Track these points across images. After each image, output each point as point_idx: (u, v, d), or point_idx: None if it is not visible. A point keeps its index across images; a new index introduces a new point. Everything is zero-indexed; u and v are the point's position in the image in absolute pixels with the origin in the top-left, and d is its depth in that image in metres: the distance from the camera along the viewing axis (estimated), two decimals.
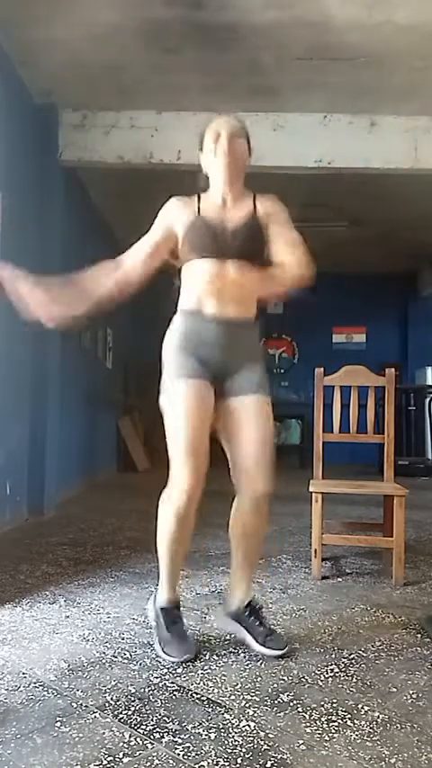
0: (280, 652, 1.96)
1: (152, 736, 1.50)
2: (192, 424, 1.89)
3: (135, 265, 2.02)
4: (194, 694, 1.72)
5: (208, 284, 1.95)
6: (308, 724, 1.57)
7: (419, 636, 2.20)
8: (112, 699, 1.69)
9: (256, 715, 1.61)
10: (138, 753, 1.43)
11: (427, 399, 7.87)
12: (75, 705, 1.65)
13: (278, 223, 2.02)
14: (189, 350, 1.95)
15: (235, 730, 1.53)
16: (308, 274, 1.95)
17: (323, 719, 1.59)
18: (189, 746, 1.46)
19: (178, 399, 1.91)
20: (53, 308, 1.87)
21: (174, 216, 2.03)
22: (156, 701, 1.68)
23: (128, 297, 2.03)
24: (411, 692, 1.76)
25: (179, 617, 2.04)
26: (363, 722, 1.58)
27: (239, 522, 2.03)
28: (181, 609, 2.09)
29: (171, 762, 1.39)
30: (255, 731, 1.53)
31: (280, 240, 2.00)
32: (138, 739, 1.48)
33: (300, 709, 1.64)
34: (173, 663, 1.91)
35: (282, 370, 9.25)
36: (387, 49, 3.85)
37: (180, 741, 1.48)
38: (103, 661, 1.94)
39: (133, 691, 1.74)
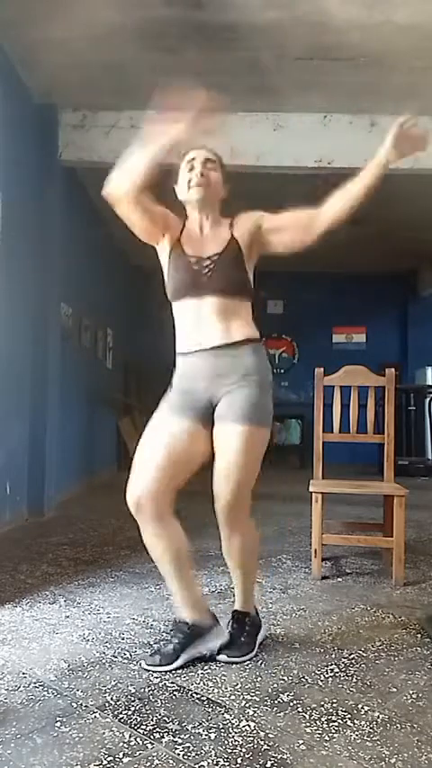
0: (225, 658, 1.93)
1: (152, 736, 1.50)
2: (150, 442, 1.97)
3: (143, 199, 1.96)
4: (194, 694, 1.72)
5: (188, 323, 1.98)
6: (308, 724, 1.57)
7: (419, 636, 2.20)
8: (112, 699, 1.69)
9: (256, 715, 1.61)
10: (138, 753, 1.43)
11: (427, 399, 7.86)
12: (75, 705, 1.65)
13: (266, 218, 2.01)
14: (180, 388, 2.00)
15: (235, 730, 1.53)
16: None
17: (323, 719, 1.59)
18: (189, 746, 1.46)
19: (151, 425, 2.00)
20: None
21: (172, 223, 2.03)
22: (156, 701, 1.68)
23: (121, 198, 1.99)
24: (411, 692, 1.76)
25: (186, 639, 1.93)
26: (363, 722, 1.58)
27: (223, 545, 2.04)
28: (199, 634, 1.95)
29: (171, 762, 1.39)
30: (255, 731, 1.53)
31: (286, 219, 1.99)
32: (138, 739, 1.48)
33: (300, 709, 1.65)
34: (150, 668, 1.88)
35: (282, 370, 9.24)
36: (387, 49, 3.85)
37: (180, 741, 1.48)
38: (103, 661, 1.94)
39: (133, 691, 1.74)
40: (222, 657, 1.94)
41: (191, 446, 1.95)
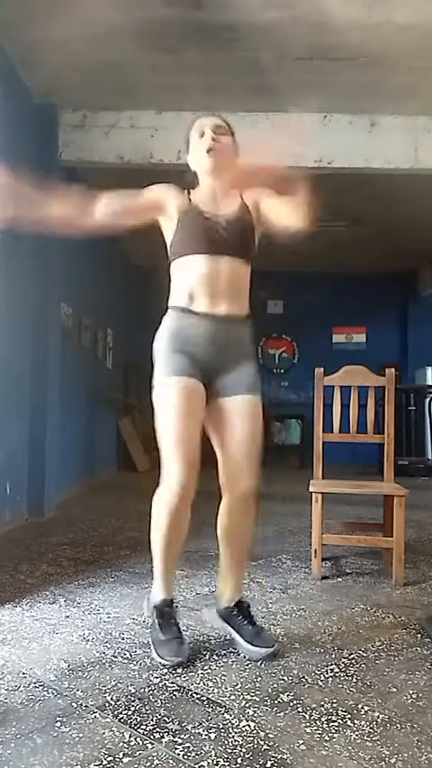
0: (269, 650, 1.93)
1: (152, 736, 1.50)
2: (181, 420, 1.90)
3: (106, 210, 1.99)
4: (194, 694, 1.72)
5: (200, 281, 1.94)
6: (308, 724, 1.57)
7: (419, 636, 2.20)
8: (112, 699, 1.69)
9: (256, 715, 1.61)
10: (138, 753, 1.43)
11: (427, 399, 7.86)
12: (75, 705, 1.65)
13: (268, 196, 2.01)
14: (178, 348, 1.94)
15: (235, 730, 1.53)
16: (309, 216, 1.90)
17: (323, 719, 1.59)
18: (189, 746, 1.46)
19: (167, 397, 1.92)
20: (15, 202, 1.86)
21: (169, 197, 2.02)
22: (156, 701, 1.68)
23: (74, 232, 2.01)
24: (411, 692, 1.76)
25: (173, 617, 2.01)
26: (363, 722, 1.58)
27: (226, 521, 2.03)
28: (177, 609, 2.07)
29: (171, 762, 1.39)
30: (255, 731, 1.53)
31: (277, 201, 1.98)
32: (138, 739, 1.48)
33: (300, 709, 1.64)
34: (164, 666, 1.89)
35: (282, 370, 9.25)
36: (387, 49, 3.85)
37: (180, 741, 1.48)
38: (103, 661, 1.94)
39: (133, 691, 1.74)
40: (261, 651, 1.93)
41: (202, 405, 1.96)
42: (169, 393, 1.92)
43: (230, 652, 2.01)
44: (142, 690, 1.75)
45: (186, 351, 1.93)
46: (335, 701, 1.70)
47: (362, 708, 1.66)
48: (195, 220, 1.96)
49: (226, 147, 2.01)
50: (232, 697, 1.71)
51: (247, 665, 1.92)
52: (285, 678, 1.84)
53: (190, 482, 1.90)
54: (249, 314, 2.02)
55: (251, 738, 1.50)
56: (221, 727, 1.55)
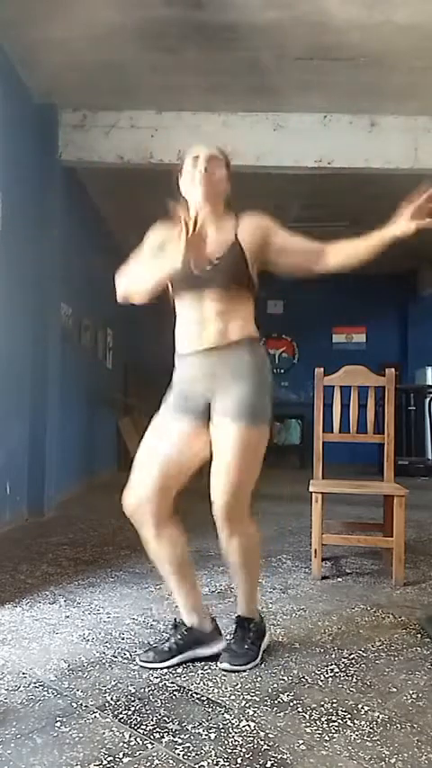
0: (228, 666, 1.89)
1: (152, 736, 1.50)
2: (148, 444, 1.97)
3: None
4: (194, 694, 1.72)
5: (188, 323, 1.96)
6: (308, 724, 1.57)
7: (419, 636, 2.20)
8: (112, 699, 1.69)
9: (256, 715, 1.61)
10: (138, 753, 1.43)
11: (427, 399, 7.86)
12: (75, 705, 1.65)
13: (278, 235, 1.98)
14: (176, 389, 1.99)
15: (235, 730, 1.53)
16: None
17: (323, 719, 1.59)
18: (189, 746, 1.46)
19: (151, 428, 1.99)
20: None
21: (162, 234, 2.02)
22: (156, 701, 1.68)
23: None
24: (411, 692, 1.76)
25: (176, 638, 1.94)
26: (363, 722, 1.58)
27: (222, 547, 2.01)
28: (188, 636, 1.96)
29: (171, 762, 1.39)
30: (255, 731, 1.53)
31: (297, 245, 1.98)
32: (138, 739, 1.48)
33: (300, 709, 1.64)
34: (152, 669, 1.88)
35: (282, 370, 9.24)
36: (387, 49, 3.85)
37: (180, 741, 1.48)
38: (103, 661, 1.94)
39: (133, 691, 1.74)
40: (225, 666, 1.90)
41: (190, 448, 1.94)
42: (154, 425, 1.99)
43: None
44: (142, 690, 1.75)
45: (182, 390, 1.98)
46: (335, 701, 1.70)
47: (362, 708, 1.66)
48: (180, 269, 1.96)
49: (217, 179, 1.99)
50: (232, 697, 1.71)
51: None
52: (285, 678, 1.84)
53: (138, 509, 1.91)
54: (248, 337, 1.95)
55: (251, 738, 1.50)
56: (221, 727, 1.55)
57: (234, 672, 1.89)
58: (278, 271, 2.02)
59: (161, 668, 1.88)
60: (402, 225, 1.88)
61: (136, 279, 1.94)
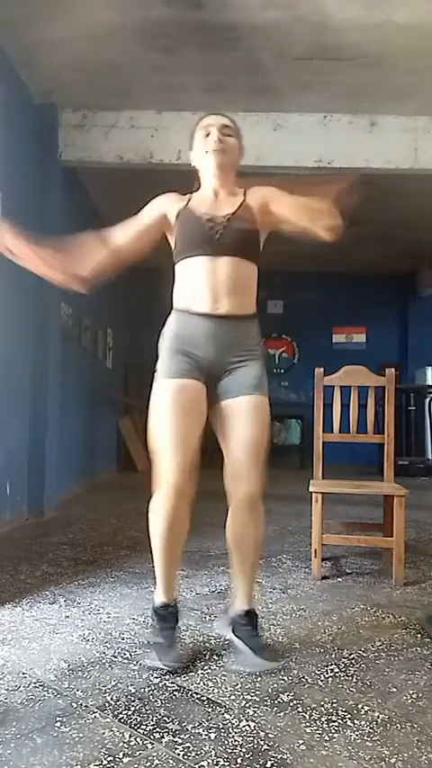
0: (273, 665, 1.87)
1: (152, 736, 1.50)
2: (177, 422, 1.88)
3: (126, 244, 2.01)
4: (194, 694, 1.72)
5: (199, 282, 1.92)
6: (308, 724, 1.57)
7: (419, 636, 2.20)
8: (112, 699, 1.69)
9: (256, 715, 1.61)
10: (138, 753, 1.43)
11: (427, 399, 7.87)
12: (75, 705, 1.65)
13: (277, 197, 1.97)
14: (180, 349, 1.93)
15: (235, 730, 1.53)
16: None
17: (323, 719, 1.59)
18: (189, 746, 1.45)
19: (164, 398, 1.91)
20: (48, 269, 1.88)
21: (168, 204, 2.02)
22: (156, 701, 1.68)
23: (116, 273, 2.02)
24: (411, 692, 1.76)
25: (170, 622, 1.98)
26: (363, 722, 1.58)
27: (231, 527, 1.98)
28: (178, 613, 2.04)
29: (171, 762, 1.39)
30: (255, 731, 1.53)
31: (293, 203, 1.93)
32: (138, 739, 1.48)
33: (300, 709, 1.64)
34: (158, 669, 1.87)
35: (282, 370, 9.24)
36: (387, 49, 3.85)
37: (180, 741, 1.48)
38: (103, 661, 1.94)
39: (133, 691, 1.74)
40: (265, 664, 1.85)
41: (201, 407, 1.93)
42: (166, 395, 1.91)
43: (230, 652, 2.00)
44: (142, 690, 1.75)
45: (188, 352, 1.92)
46: (335, 700, 1.70)
47: (362, 708, 1.66)
48: (194, 222, 1.95)
49: (231, 148, 2.00)
50: (232, 697, 1.71)
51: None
52: (285, 678, 1.84)
53: (185, 484, 1.88)
54: (255, 313, 1.99)
55: (251, 738, 1.50)
56: (221, 727, 1.55)
57: (274, 669, 1.86)
58: (293, 230, 1.94)
59: (183, 666, 1.87)
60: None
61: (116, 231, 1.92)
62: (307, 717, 1.61)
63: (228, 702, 1.68)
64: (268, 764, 1.39)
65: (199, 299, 1.93)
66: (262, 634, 2.04)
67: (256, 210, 1.98)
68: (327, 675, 1.86)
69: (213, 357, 1.92)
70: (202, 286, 1.92)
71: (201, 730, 1.53)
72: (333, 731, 1.54)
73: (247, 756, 1.42)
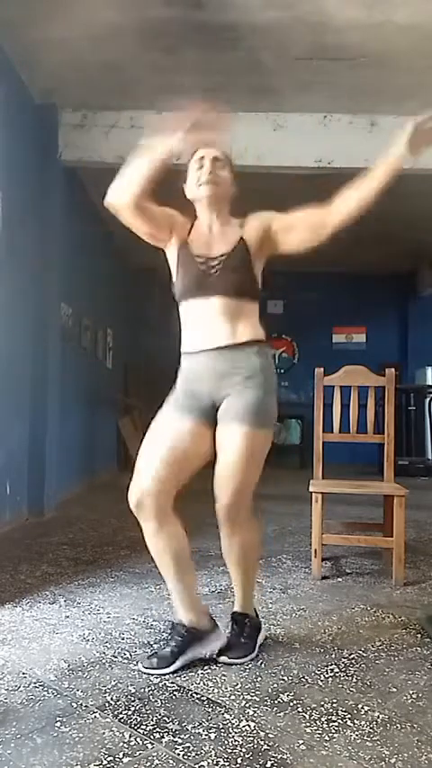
0: (226, 659, 1.92)
1: (152, 736, 1.50)
2: (153, 440, 1.95)
3: (151, 208, 1.97)
4: (194, 694, 1.72)
5: (197, 324, 1.97)
6: (308, 724, 1.57)
7: (419, 636, 2.20)
8: (112, 699, 1.69)
9: (256, 715, 1.61)
10: (138, 753, 1.43)
11: (427, 399, 7.86)
12: (75, 705, 1.65)
13: (280, 217, 2.00)
14: (183, 386, 2.00)
15: (235, 730, 1.53)
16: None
17: (323, 719, 1.59)
18: (189, 746, 1.46)
19: (156, 423, 1.99)
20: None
21: (179, 227, 2.03)
22: (156, 701, 1.68)
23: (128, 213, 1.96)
24: (411, 692, 1.76)
25: (176, 641, 1.91)
26: (363, 722, 1.58)
27: (221, 538, 2.01)
28: (194, 640, 1.92)
29: (171, 762, 1.39)
30: (255, 731, 1.53)
31: (298, 222, 1.97)
32: (138, 739, 1.48)
33: (300, 709, 1.64)
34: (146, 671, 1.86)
35: (282, 370, 9.23)
36: (387, 49, 3.85)
37: (180, 741, 1.48)
38: (103, 661, 1.94)
39: (133, 691, 1.74)
40: (223, 659, 1.94)
41: (194, 446, 1.95)
42: (159, 420, 1.99)
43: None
44: (142, 690, 1.75)
45: (189, 389, 1.98)
46: (335, 701, 1.70)
47: (362, 708, 1.66)
48: (190, 264, 1.98)
49: (223, 181, 2.01)
50: (232, 697, 1.71)
51: (248, 666, 1.92)
52: (285, 678, 1.84)
53: (147, 501, 1.89)
54: (256, 339, 1.96)
55: (251, 738, 1.50)
56: (221, 727, 1.55)
57: (232, 665, 1.91)
58: (289, 250, 2.00)
59: (165, 674, 1.86)
60: (405, 146, 1.92)
61: (129, 171, 1.90)
62: (307, 717, 1.61)
63: (228, 702, 1.68)
64: (268, 764, 1.39)
65: (195, 339, 1.98)
66: (242, 633, 2.02)
67: (253, 244, 1.98)
68: (327, 675, 1.86)
69: (209, 389, 1.95)
70: (199, 327, 1.97)
71: (201, 730, 1.53)
72: (333, 731, 1.54)
73: (247, 756, 1.42)
